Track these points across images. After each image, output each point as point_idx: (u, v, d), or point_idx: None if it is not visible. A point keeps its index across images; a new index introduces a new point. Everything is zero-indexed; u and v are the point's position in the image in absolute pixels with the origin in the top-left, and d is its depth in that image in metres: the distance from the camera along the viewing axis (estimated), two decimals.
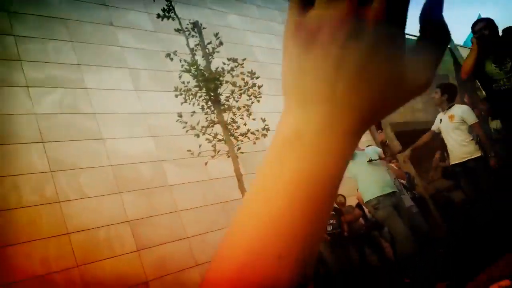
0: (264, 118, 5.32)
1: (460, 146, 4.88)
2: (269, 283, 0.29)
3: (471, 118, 4.80)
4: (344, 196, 6.59)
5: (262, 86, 5.54)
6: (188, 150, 5.27)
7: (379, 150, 5.27)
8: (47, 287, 4.18)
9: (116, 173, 5.31)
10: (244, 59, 5.51)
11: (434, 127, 5.18)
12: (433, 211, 6.98)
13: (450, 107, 4.94)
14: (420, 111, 8.70)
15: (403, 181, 5.84)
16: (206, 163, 5.37)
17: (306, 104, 0.30)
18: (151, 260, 4.98)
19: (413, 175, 6.49)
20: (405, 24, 0.30)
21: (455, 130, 4.89)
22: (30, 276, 4.13)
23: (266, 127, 5.29)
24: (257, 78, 5.57)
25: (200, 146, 5.26)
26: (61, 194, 4.77)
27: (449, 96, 4.97)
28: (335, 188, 0.31)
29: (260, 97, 5.55)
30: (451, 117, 4.89)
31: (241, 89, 5.58)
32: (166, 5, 5.57)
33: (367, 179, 4.91)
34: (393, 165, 5.85)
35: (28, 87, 5.19)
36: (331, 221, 6.28)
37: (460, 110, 4.88)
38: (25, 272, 4.11)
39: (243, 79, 5.55)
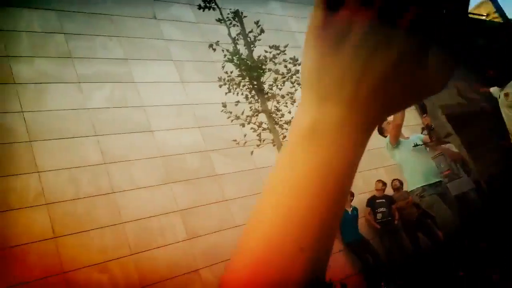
0: None
1: None
2: (290, 276, 0.29)
3: None
4: (400, 180, 6.44)
5: None
6: (233, 140, 5.32)
7: (423, 136, 5.12)
8: (104, 274, 4.39)
9: (165, 164, 5.46)
10: (286, 46, 5.45)
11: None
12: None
13: (505, 85, 4.66)
14: (474, 92, 8.31)
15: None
16: (252, 152, 5.41)
17: (327, 101, 0.31)
18: (201, 248, 5.11)
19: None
20: (434, 36, 0.30)
21: (510, 108, 4.63)
22: (89, 264, 4.35)
23: None
24: (299, 64, 5.50)
25: (245, 135, 5.29)
26: (115, 185, 4.96)
27: (505, 73, 4.70)
28: (349, 180, 0.32)
29: None
30: (507, 95, 4.63)
31: (284, 77, 5.53)
32: None
33: (412, 168, 4.81)
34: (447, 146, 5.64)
35: (79, 83, 5.40)
36: (382, 209, 6.18)
37: None
38: (82, 260, 4.34)
39: (285, 66, 5.50)
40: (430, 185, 4.75)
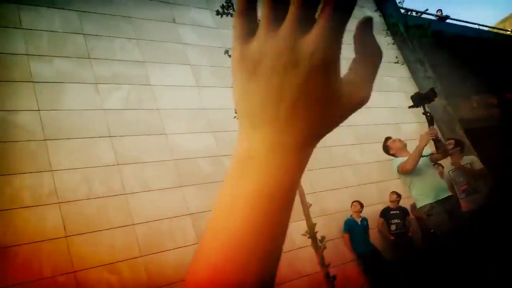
0: None
1: None
2: (244, 281, 0.31)
3: None
4: (397, 193, 6.38)
5: None
6: None
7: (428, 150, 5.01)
8: (113, 274, 4.40)
9: (178, 167, 5.47)
10: None
11: None
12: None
13: None
14: (496, 107, 8.17)
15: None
16: None
17: (255, 126, 0.34)
18: None
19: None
20: (339, 52, 0.33)
21: None
22: (99, 264, 4.37)
23: None
24: None
25: None
26: (127, 186, 4.99)
27: None
28: (289, 198, 0.34)
29: None
30: None
31: None
32: (226, 2, 5.61)
33: (419, 185, 4.69)
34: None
35: (97, 83, 5.46)
36: (396, 221, 6.12)
37: None
38: (93, 260, 4.36)
39: None
40: (438, 201, 4.65)
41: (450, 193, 4.86)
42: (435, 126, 4.72)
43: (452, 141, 5.59)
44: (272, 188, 0.33)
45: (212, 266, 0.32)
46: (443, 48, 8.49)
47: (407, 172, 4.64)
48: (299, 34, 0.32)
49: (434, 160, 4.89)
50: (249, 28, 0.35)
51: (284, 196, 0.33)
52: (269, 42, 0.33)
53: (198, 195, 5.39)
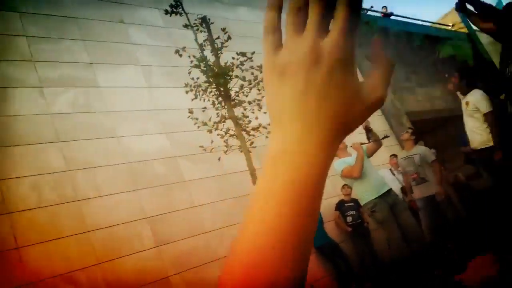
0: None
1: (474, 134, 4.79)
2: (274, 280, 0.34)
3: (484, 107, 4.63)
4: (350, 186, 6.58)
5: None
6: (200, 146, 5.30)
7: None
8: (70, 285, 4.27)
9: (132, 170, 5.36)
10: (253, 53, 5.48)
11: None
12: (454, 200, 6.95)
13: (467, 93, 4.82)
14: (439, 99, 8.54)
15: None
16: (219, 159, 5.40)
17: (286, 123, 0.38)
18: (171, 255, 5.04)
19: None
20: (354, 51, 0.38)
21: (470, 117, 4.79)
22: (52, 274, 4.21)
23: None
24: None
25: (212, 142, 5.27)
26: (79, 192, 4.83)
27: (467, 81, 4.84)
28: (319, 189, 0.37)
29: None
30: (467, 103, 4.79)
31: (251, 83, 5.56)
32: (174, 1, 5.56)
33: (362, 184, 4.84)
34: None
35: (42, 87, 5.25)
36: (351, 213, 6.31)
37: (474, 98, 4.75)
38: (47, 270, 4.20)
39: (252, 73, 5.53)
40: (380, 197, 4.82)
41: (389, 187, 5.05)
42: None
43: (410, 130, 5.87)
44: (304, 179, 0.36)
45: (252, 252, 0.35)
46: (389, 44, 8.81)
47: (353, 179, 4.84)
48: (319, 36, 0.37)
49: (370, 154, 5.01)
50: (277, 41, 0.40)
51: (315, 187, 0.37)
52: (295, 45, 0.38)
53: (154, 198, 5.32)
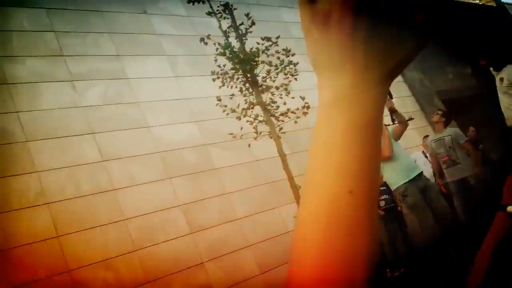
0: (304, 96, 5.26)
1: (509, 111, 4.64)
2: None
3: None
4: None
5: (298, 63, 5.46)
6: (229, 134, 5.33)
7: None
8: (110, 271, 4.39)
9: (164, 159, 5.45)
10: (278, 37, 5.43)
11: None
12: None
13: (501, 69, 4.65)
14: (471, 77, 8.30)
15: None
16: (249, 145, 5.41)
17: (335, 69, 0.37)
18: (204, 242, 5.12)
19: None
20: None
21: (504, 94, 4.64)
22: (94, 261, 4.35)
23: (306, 104, 5.22)
24: (292, 55, 5.48)
25: (241, 128, 5.29)
26: (114, 182, 4.95)
27: (499, 57, 4.69)
28: (378, 131, 0.37)
29: (297, 74, 5.46)
30: (501, 79, 4.63)
31: (277, 68, 5.52)
32: None
33: (392, 168, 4.74)
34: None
35: (72, 81, 5.36)
36: (384, 197, 6.24)
37: (509, 73, 4.58)
38: (87, 258, 4.34)
39: (278, 58, 5.48)
40: (411, 181, 4.72)
41: (420, 170, 4.95)
42: (392, 99, 4.76)
43: (440, 112, 5.71)
44: (363, 120, 0.36)
45: (325, 193, 0.35)
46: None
47: (385, 160, 4.72)
48: None
49: (397, 137, 4.90)
50: None
51: (375, 128, 0.37)
52: None
53: (186, 186, 5.39)
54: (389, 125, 4.83)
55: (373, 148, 0.36)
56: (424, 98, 8.18)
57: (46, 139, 4.77)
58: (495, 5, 10.49)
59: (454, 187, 5.50)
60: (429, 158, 6.78)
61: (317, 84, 0.39)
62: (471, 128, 7.13)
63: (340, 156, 0.35)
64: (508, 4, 11.19)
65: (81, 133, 5.06)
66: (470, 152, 5.43)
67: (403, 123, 4.85)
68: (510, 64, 4.60)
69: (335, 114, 0.37)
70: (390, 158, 4.69)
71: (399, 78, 8.57)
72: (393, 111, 4.75)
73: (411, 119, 4.88)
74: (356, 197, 0.35)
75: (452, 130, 5.67)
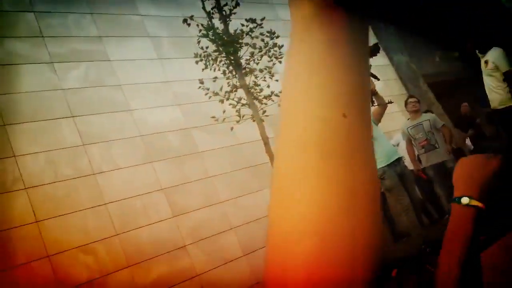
0: None
1: (493, 93, 4.65)
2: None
3: (504, 65, 4.45)
4: None
5: (282, 46, 5.38)
6: (212, 117, 5.26)
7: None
8: (90, 255, 4.37)
9: (146, 143, 5.39)
10: (263, 19, 5.34)
11: None
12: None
13: (487, 51, 4.65)
14: (458, 60, 8.32)
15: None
16: (232, 128, 5.37)
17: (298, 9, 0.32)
18: (187, 225, 5.11)
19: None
20: None
21: (489, 76, 4.64)
22: (72, 246, 4.32)
23: None
24: (277, 37, 5.41)
25: (224, 111, 5.23)
26: (95, 166, 4.89)
27: (485, 40, 4.69)
28: (364, 48, 0.33)
29: (281, 57, 5.39)
30: (486, 62, 4.63)
31: (261, 51, 5.45)
32: None
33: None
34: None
35: (53, 62, 5.25)
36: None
37: (493, 56, 4.59)
38: (67, 242, 4.30)
39: (263, 40, 5.40)
40: (390, 165, 4.75)
41: (400, 155, 4.98)
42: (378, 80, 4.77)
43: (413, 100, 5.72)
44: (349, 35, 0.31)
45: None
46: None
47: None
48: None
49: (377, 119, 4.88)
50: None
51: (361, 46, 0.32)
52: None
53: (169, 169, 5.35)
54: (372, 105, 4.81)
55: (362, 67, 0.32)
56: (410, 81, 8.18)
57: (25, 122, 4.68)
58: None
59: (433, 172, 5.54)
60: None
61: (290, 11, 0.34)
62: (464, 104, 7.16)
63: (327, 75, 0.30)
64: None
65: (61, 116, 4.98)
66: (446, 137, 5.50)
67: (383, 106, 4.84)
68: (495, 47, 4.60)
69: (315, 30, 0.31)
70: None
71: (386, 61, 8.54)
72: (373, 93, 4.73)
73: (390, 102, 4.87)
74: (351, 122, 0.30)
75: (429, 115, 5.73)
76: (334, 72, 0.30)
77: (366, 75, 0.32)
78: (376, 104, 4.79)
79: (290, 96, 0.32)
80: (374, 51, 4.63)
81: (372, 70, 6.88)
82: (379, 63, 7.80)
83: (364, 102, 0.31)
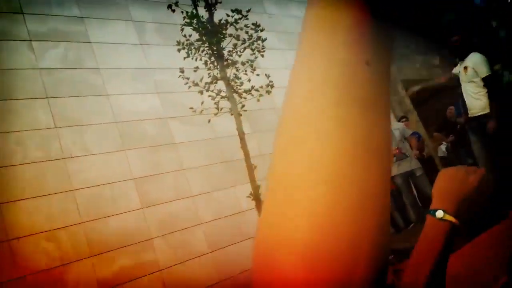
0: (269, 74, 5.12)
1: (473, 100, 4.62)
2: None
3: (484, 70, 4.43)
4: None
5: (266, 39, 5.28)
6: (190, 108, 5.16)
7: None
8: (52, 242, 4.27)
9: (121, 130, 5.28)
10: (248, 10, 5.24)
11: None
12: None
13: (466, 56, 4.62)
14: (438, 67, 8.32)
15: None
16: (209, 121, 5.27)
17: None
18: (155, 217, 5.03)
19: (423, 136, 6.34)
20: None
21: (468, 83, 4.61)
22: (34, 231, 4.21)
23: (270, 83, 5.09)
24: (261, 30, 5.31)
25: (202, 103, 5.14)
26: (66, 150, 4.78)
27: (467, 44, 4.68)
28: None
29: (264, 51, 5.30)
30: (465, 68, 4.60)
31: (245, 43, 5.34)
32: None
33: None
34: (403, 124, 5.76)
35: (31, 41, 5.10)
36: None
37: (473, 61, 4.55)
38: (29, 227, 4.20)
39: (247, 32, 5.30)
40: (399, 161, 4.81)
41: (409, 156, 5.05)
42: None
43: None
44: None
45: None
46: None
47: None
48: None
49: None
50: None
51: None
52: None
53: (142, 159, 5.25)
54: None
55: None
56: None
57: None
58: None
59: (401, 180, 5.61)
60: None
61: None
62: (450, 107, 7.18)
63: (351, 20, 0.28)
64: None
65: (34, 96, 4.84)
66: (413, 145, 5.63)
67: None
68: (474, 52, 4.58)
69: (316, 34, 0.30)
70: None
71: None
72: None
73: None
74: (373, 71, 0.28)
75: (398, 124, 5.86)
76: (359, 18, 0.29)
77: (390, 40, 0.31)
78: None
79: (311, 40, 0.30)
80: None
81: None
82: None
83: (387, 59, 0.30)
